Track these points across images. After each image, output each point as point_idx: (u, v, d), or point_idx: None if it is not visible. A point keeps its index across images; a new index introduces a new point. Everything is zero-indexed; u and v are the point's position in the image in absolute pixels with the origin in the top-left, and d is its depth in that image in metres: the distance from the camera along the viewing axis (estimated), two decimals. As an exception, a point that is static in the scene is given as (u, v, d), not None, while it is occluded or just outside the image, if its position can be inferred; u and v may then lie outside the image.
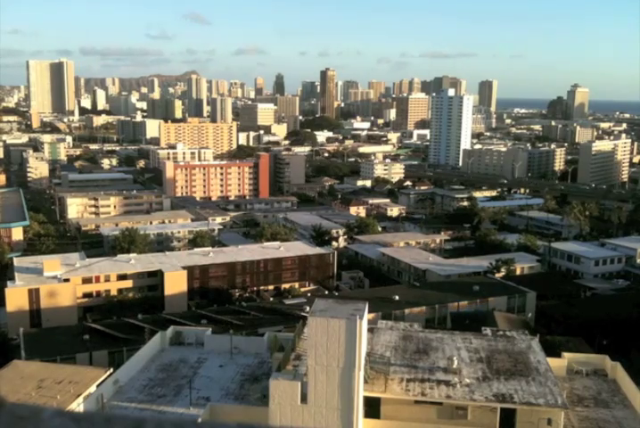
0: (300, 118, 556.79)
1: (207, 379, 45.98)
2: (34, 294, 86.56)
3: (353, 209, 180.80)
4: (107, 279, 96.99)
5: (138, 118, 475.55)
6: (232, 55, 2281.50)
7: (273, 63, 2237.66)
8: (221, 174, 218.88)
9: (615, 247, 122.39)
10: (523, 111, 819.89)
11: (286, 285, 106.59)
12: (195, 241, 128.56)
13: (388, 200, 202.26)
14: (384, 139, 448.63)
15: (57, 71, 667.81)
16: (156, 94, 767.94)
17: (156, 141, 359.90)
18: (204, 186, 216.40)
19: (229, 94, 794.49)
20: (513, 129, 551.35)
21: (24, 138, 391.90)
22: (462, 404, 37.71)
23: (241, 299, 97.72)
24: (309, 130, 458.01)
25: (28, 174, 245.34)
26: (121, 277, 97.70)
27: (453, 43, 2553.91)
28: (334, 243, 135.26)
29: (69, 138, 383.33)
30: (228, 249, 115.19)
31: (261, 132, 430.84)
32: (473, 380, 39.32)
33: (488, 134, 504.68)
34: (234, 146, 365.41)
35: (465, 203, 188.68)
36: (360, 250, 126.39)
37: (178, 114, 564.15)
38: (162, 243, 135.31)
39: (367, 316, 37.94)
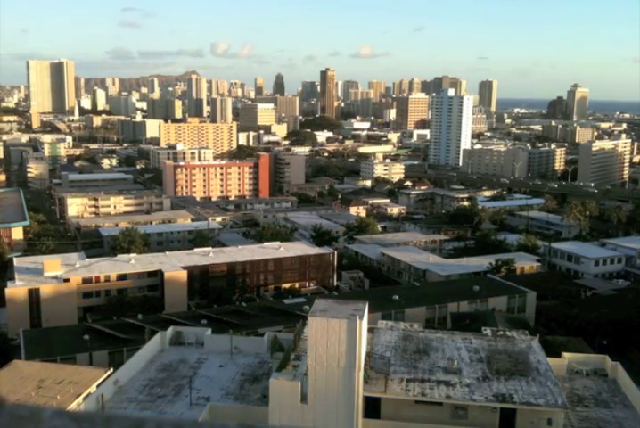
0: (300, 118, 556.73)
1: (207, 379, 45.97)
2: (34, 294, 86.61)
3: (353, 210, 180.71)
4: (107, 279, 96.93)
5: (138, 118, 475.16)
6: (232, 55, 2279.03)
7: (273, 63, 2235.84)
8: (221, 174, 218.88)
9: (615, 247, 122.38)
10: (523, 111, 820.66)
11: (286, 285, 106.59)
12: (195, 241, 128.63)
13: (388, 200, 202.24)
14: (384, 139, 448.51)
15: (57, 71, 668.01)
16: (156, 94, 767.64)
17: (156, 141, 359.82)
18: (204, 186, 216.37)
19: (229, 94, 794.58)
20: (513, 129, 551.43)
21: (24, 138, 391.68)
22: (462, 404, 37.69)
23: (241, 299, 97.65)
24: (309, 130, 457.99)
25: (28, 174, 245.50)
26: (121, 277, 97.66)
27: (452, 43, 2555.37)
28: (334, 243, 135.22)
29: (69, 138, 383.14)
30: (228, 249, 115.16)
31: (261, 132, 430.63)
32: (473, 380, 39.30)
33: (488, 134, 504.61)
34: (234, 146, 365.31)
35: (465, 203, 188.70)
36: (360, 250, 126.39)
37: (178, 114, 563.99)
38: (162, 243, 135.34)
39: (367, 316, 37.91)
